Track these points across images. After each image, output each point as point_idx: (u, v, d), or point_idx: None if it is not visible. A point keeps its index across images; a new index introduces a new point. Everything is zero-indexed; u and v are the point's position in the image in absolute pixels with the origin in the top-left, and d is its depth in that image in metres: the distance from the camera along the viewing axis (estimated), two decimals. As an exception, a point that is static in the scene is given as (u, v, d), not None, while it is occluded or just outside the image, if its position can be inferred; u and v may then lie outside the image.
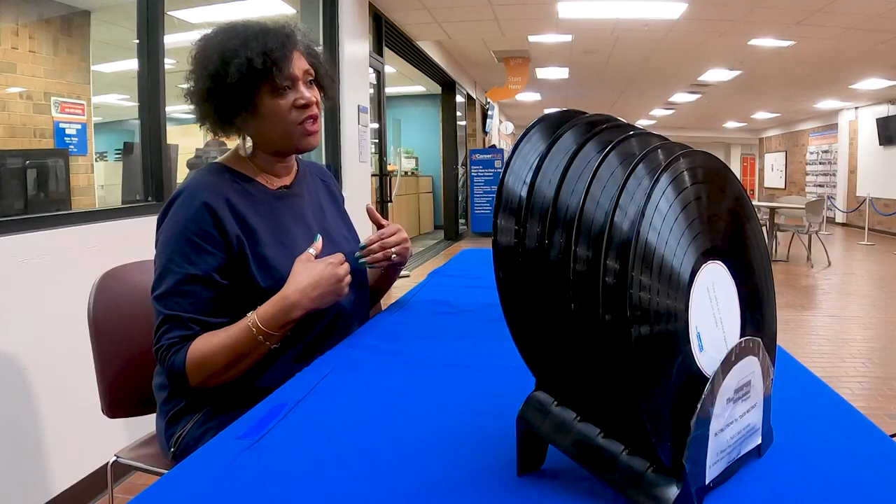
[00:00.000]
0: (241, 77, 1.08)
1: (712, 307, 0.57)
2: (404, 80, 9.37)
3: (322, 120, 1.25)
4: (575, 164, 0.57)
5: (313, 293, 1.08)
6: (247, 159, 1.20)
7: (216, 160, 1.21)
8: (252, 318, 1.06)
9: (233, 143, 1.27)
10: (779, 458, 0.64)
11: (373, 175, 5.57)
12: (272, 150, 1.19)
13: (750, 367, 0.58)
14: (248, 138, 1.19)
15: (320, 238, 1.18)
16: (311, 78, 1.18)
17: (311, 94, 1.16)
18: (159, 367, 1.17)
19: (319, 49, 1.24)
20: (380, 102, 5.78)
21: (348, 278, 1.14)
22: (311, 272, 1.10)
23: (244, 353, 1.06)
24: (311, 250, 1.13)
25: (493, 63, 8.85)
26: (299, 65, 1.15)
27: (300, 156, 1.30)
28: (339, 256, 1.14)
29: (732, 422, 0.57)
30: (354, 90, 4.75)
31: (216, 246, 1.08)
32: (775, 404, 0.65)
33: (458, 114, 10.40)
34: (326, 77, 1.22)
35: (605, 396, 0.55)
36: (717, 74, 9.21)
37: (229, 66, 1.08)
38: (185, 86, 1.15)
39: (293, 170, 1.27)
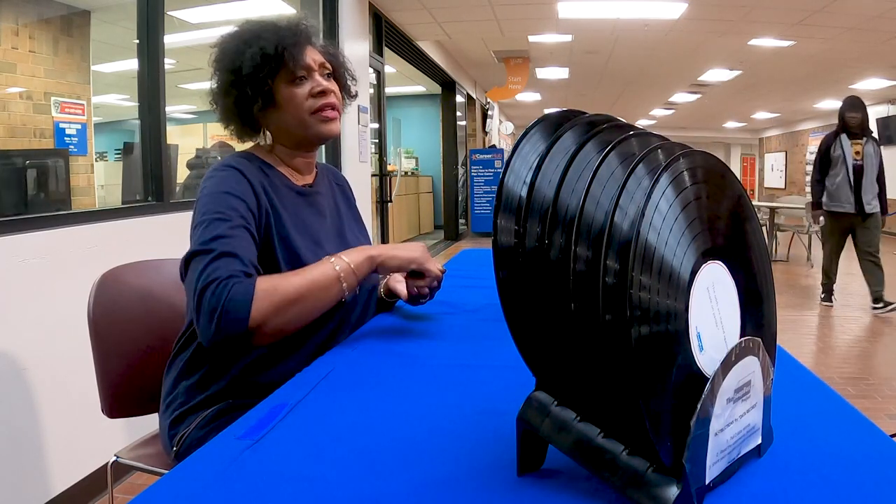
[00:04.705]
0: (255, 66, 1.11)
1: (712, 307, 0.57)
2: (404, 80, 9.37)
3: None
4: (575, 164, 0.57)
5: (393, 249, 1.14)
6: (272, 153, 1.22)
7: (244, 149, 1.23)
8: (333, 255, 1.09)
9: (234, 142, 1.28)
10: (779, 458, 0.64)
11: (373, 175, 5.56)
12: (293, 142, 1.20)
13: (750, 367, 0.58)
14: (269, 134, 1.21)
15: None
16: (327, 71, 1.20)
17: (328, 84, 1.18)
18: (172, 362, 1.17)
19: (335, 49, 1.27)
20: (380, 102, 5.78)
21: (435, 262, 1.21)
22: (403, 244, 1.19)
23: (319, 288, 1.03)
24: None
25: (493, 63, 8.85)
26: (313, 56, 1.17)
27: (317, 158, 1.31)
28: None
29: (732, 422, 0.57)
30: (354, 90, 4.75)
31: (252, 208, 1.08)
32: (775, 404, 0.65)
33: (458, 114, 10.39)
34: (344, 73, 1.26)
35: (605, 396, 0.55)
36: (717, 74, 9.22)
37: (244, 56, 1.11)
38: (209, 87, 1.18)
39: (314, 169, 1.28)
